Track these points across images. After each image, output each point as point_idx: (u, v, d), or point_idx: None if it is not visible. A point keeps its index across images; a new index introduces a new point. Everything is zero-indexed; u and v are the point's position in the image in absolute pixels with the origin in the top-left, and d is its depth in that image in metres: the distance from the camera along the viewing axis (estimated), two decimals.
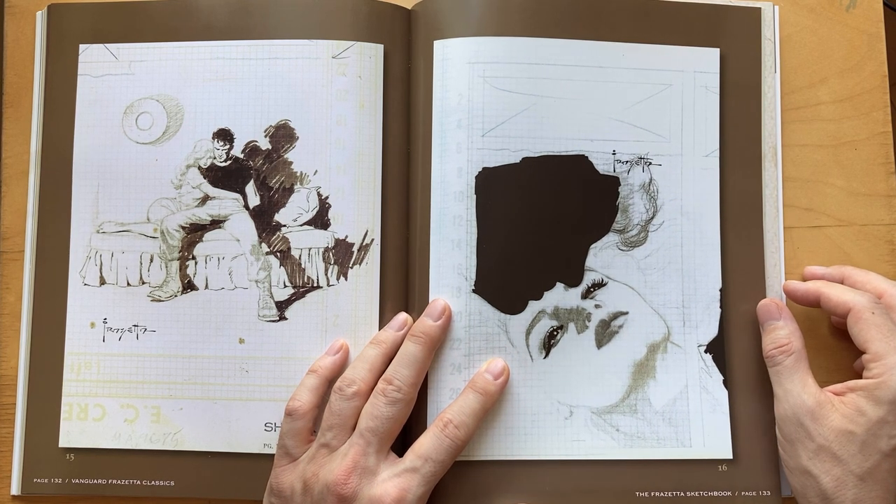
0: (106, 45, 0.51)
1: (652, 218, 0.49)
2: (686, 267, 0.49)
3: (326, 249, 0.49)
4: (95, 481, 0.49)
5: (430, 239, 0.48)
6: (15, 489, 0.50)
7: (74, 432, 0.49)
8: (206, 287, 0.50)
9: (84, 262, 0.50)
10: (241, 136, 0.50)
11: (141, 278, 0.50)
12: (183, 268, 0.50)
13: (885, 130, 0.51)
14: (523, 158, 0.48)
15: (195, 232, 0.50)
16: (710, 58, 0.50)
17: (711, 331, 0.49)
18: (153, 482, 0.49)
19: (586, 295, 0.49)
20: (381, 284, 0.49)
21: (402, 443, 0.47)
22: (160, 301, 0.50)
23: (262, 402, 0.49)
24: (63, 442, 0.49)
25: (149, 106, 0.50)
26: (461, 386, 0.47)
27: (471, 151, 0.48)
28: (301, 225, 0.49)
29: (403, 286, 0.49)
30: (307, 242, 0.49)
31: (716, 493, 0.48)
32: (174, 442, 0.49)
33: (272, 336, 0.49)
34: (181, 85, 0.50)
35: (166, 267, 0.50)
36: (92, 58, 0.51)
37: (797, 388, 0.44)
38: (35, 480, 0.50)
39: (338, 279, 0.49)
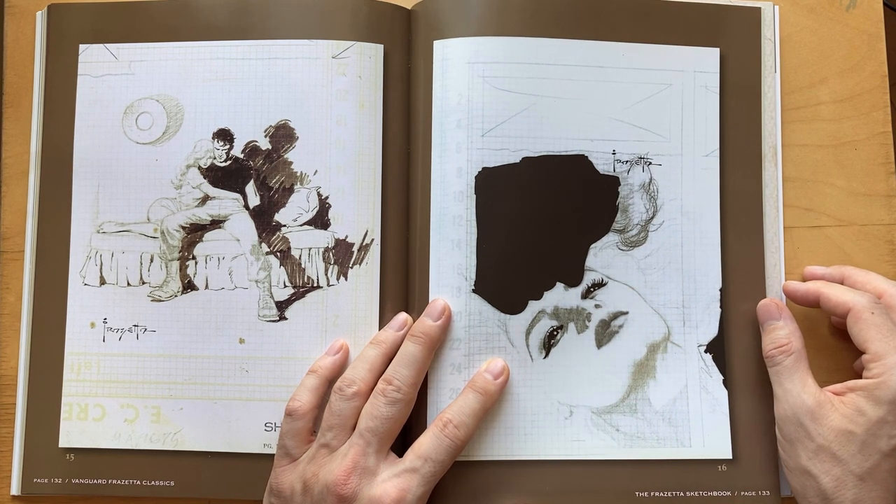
0: (106, 45, 0.51)
1: (652, 218, 0.50)
2: (686, 267, 0.49)
3: (326, 249, 0.49)
4: (95, 481, 0.49)
5: (430, 239, 0.48)
6: (15, 489, 0.50)
7: (74, 432, 0.49)
8: (207, 287, 0.50)
9: (84, 262, 0.50)
10: (241, 136, 0.50)
11: (141, 278, 0.50)
12: (183, 268, 0.50)
13: (885, 130, 0.51)
14: (523, 158, 0.48)
15: (195, 232, 0.50)
16: (710, 58, 0.50)
17: (711, 331, 0.49)
18: (153, 482, 0.49)
19: (586, 295, 0.49)
20: (381, 284, 0.49)
21: (402, 443, 0.47)
22: (160, 301, 0.50)
23: (262, 402, 0.49)
24: (63, 442, 0.49)
25: (149, 106, 0.50)
26: (461, 386, 0.47)
27: (470, 151, 0.48)
28: (301, 225, 0.49)
29: (403, 286, 0.49)
30: (307, 242, 0.49)
31: (715, 493, 0.48)
32: (174, 442, 0.49)
33: (272, 336, 0.49)
34: (181, 85, 0.50)
35: (166, 267, 0.50)
36: (92, 58, 0.51)
37: (797, 388, 0.44)
38: (35, 480, 0.50)
39: (338, 279, 0.49)
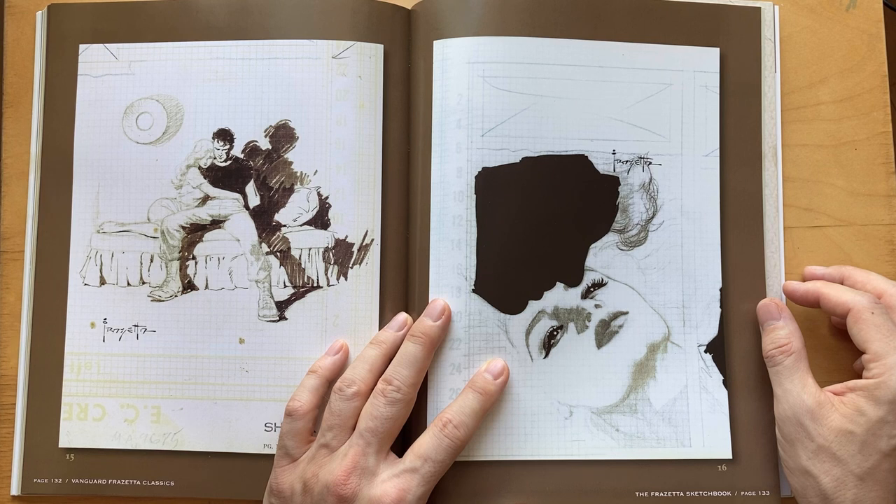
0: (106, 45, 0.51)
1: (652, 218, 0.49)
2: (686, 267, 0.49)
3: (326, 249, 0.49)
4: (95, 481, 0.49)
5: (430, 239, 0.48)
6: (15, 489, 0.50)
7: (74, 432, 0.49)
8: (207, 287, 0.50)
9: (84, 262, 0.50)
10: (241, 136, 0.50)
11: (141, 278, 0.50)
12: (183, 268, 0.50)
13: (885, 130, 0.51)
14: (523, 158, 0.48)
15: (195, 232, 0.50)
16: (709, 57, 0.50)
17: (711, 331, 0.49)
18: (153, 482, 0.49)
19: (586, 295, 0.49)
20: (381, 284, 0.49)
21: (402, 443, 0.47)
22: (160, 301, 0.50)
23: (262, 402, 0.49)
24: (63, 442, 0.49)
25: (149, 106, 0.50)
26: (461, 386, 0.47)
27: (470, 151, 0.48)
28: (301, 225, 0.49)
29: (403, 286, 0.49)
30: (307, 242, 0.49)
31: (715, 493, 0.48)
32: (174, 442, 0.49)
33: (272, 336, 0.49)
34: (181, 85, 0.50)
35: (166, 267, 0.50)
36: (92, 58, 0.51)
37: (797, 388, 0.44)
38: (35, 480, 0.50)
39: (338, 279, 0.49)
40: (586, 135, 0.49)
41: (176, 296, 0.50)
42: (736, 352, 0.49)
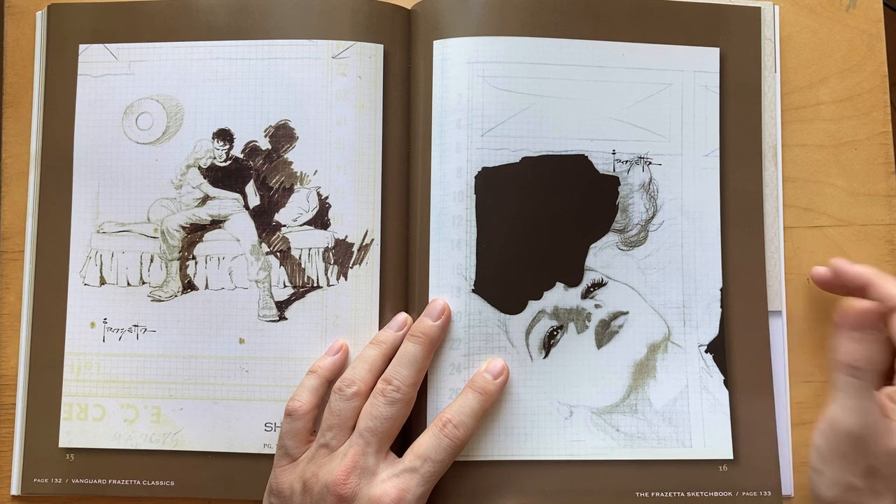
0: (106, 45, 0.51)
1: (652, 217, 0.49)
2: (686, 266, 0.49)
3: (326, 249, 0.49)
4: (95, 481, 0.49)
5: (429, 239, 0.48)
6: (15, 489, 0.50)
7: (74, 432, 0.49)
8: (207, 287, 0.50)
9: (84, 262, 0.50)
10: (241, 136, 0.50)
11: (141, 278, 0.50)
12: (183, 268, 0.50)
13: (885, 130, 0.51)
14: (523, 158, 0.48)
15: (195, 232, 0.50)
16: (709, 57, 0.50)
17: (712, 331, 0.49)
18: (153, 482, 0.49)
19: (586, 295, 0.49)
20: (381, 284, 0.49)
21: (401, 443, 0.47)
22: (160, 301, 0.50)
23: (262, 402, 0.49)
24: (63, 442, 0.49)
25: (149, 106, 0.50)
26: (461, 386, 0.47)
27: (470, 151, 0.48)
28: (301, 225, 0.49)
29: (403, 286, 0.49)
30: (307, 242, 0.49)
31: (716, 494, 0.48)
32: (174, 442, 0.49)
33: (272, 336, 0.49)
34: (181, 85, 0.50)
35: (166, 267, 0.50)
36: (92, 58, 0.51)
37: (868, 408, 0.42)
38: (35, 480, 0.50)
39: (338, 279, 0.49)
40: (586, 135, 0.49)
41: (176, 296, 0.50)
42: (736, 352, 0.49)
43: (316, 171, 0.49)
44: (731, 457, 0.48)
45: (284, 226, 0.49)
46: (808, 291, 0.51)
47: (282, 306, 0.49)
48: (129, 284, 0.50)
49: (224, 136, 0.50)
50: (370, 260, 0.49)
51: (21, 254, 0.52)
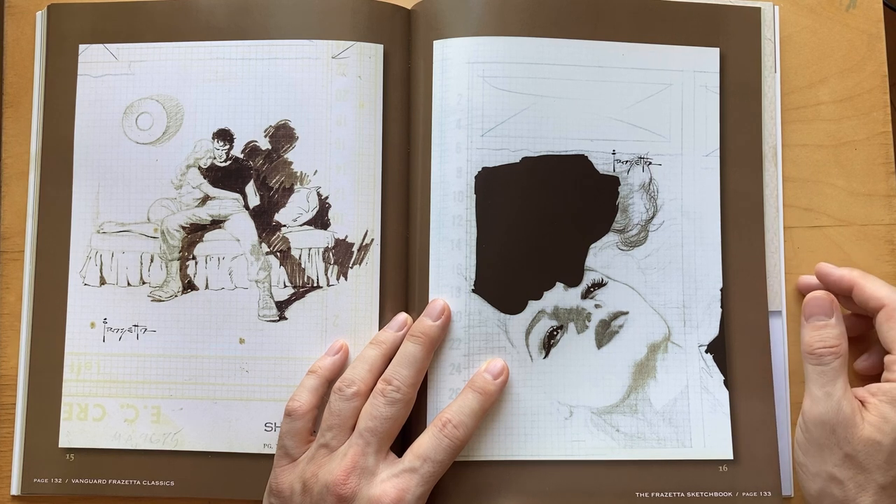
0: (106, 45, 0.51)
1: (652, 218, 0.49)
2: (686, 267, 0.49)
3: (326, 249, 0.49)
4: (95, 481, 0.49)
5: (429, 239, 0.48)
6: (15, 489, 0.50)
7: (74, 432, 0.49)
8: (207, 287, 0.50)
9: (84, 262, 0.50)
10: (241, 136, 0.50)
11: (141, 278, 0.50)
12: (183, 268, 0.50)
13: (885, 130, 0.51)
14: (523, 158, 0.48)
15: (195, 232, 0.50)
16: (709, 58, 0.50)
17: (712, 331, 0.49)
18: (153, 482, 0.49)
19: (586, 295, 0.49)
20: (381, 284, 0.49)
21: (401, 443, 0.47)
22: (160, 301, 0.50)
23: (262, 402, 0.49)
24: (63, 442, 0.49)
25: (149, 106, 0.50)
26: (461, 386, 0.47)
27: (470, 151, 0.48)
28: (301, 225, 0.49)
29: (403, 286, 0.49)
30: (307, 242, 0.49)
31: (716, 494, 0.48)
32: (174, 442, 0.49)
33: (272, 336, 0.49)
34: (181, 85, 0.50)
35: (166, 267, 0.50)
36: (92, 58, 0.51)
37: (838, 394, 0.42)
38: (35, 480, 0.50)
39: (338, 279, 0.49)
40: (586, 135, 0.49)
41: (176, 296, 0.50)
42: (737, 352, 0.49)
43: (316, 171, 0.49)
44: (731, 457, 0.48)
45: (284, 226, 0.49)
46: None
47: (282, 306, 0.49)
48: (129, 284, 0.50)
49: (224, 136, 0.50)
50: (370, 260, 0.49)
51: (21, 254, 0.52)
